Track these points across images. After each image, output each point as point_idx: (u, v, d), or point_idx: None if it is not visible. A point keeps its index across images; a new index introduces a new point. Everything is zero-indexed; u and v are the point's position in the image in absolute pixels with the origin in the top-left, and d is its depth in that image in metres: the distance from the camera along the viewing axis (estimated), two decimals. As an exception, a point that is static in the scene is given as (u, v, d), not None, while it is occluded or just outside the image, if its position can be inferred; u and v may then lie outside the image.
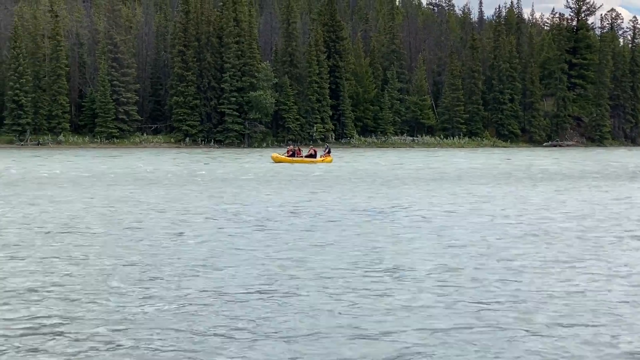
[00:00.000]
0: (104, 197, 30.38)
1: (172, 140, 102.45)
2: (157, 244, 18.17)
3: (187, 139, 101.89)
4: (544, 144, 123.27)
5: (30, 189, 33.98)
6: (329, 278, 14.14)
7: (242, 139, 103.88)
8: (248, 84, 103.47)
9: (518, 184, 40.52)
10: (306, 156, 60.59)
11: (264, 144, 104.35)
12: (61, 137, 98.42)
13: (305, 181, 40.90)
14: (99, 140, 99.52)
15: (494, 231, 20.94)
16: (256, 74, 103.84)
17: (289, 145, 70.16)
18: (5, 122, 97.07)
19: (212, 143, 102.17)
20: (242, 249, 17.36)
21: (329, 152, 62.70)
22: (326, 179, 42.93)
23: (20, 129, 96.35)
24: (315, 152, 61.93)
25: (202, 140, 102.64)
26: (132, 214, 24.34)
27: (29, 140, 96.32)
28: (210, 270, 14.87)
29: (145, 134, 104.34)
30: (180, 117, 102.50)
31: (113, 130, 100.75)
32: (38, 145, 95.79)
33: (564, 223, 22.93)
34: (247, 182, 40.08)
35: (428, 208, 26.76)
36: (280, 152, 65.77)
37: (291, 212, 25.00)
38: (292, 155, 60.92)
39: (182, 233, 19.98)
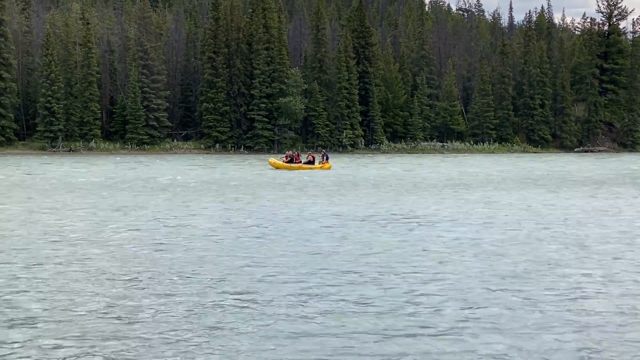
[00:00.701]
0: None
1: (202, 146, 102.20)
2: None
3: (217, 145, 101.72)
4: (575, 150, 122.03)
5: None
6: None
7: (272, 145, 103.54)
8: (277, 90, 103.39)
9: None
10: (304, 163, 59.82)
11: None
12: (92, 144, 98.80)
13: (326, 189, 40.61)
14: (130, 146, 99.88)
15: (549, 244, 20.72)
16: (286, 80, 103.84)
17: (288, 152, 68.70)
18: (37, 128, 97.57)
19: (241, 149, 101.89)
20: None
21: (326, 159, 61.54)
22: (326, 185, 42.71)
23: (52, 135, 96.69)
24: (313, 158, 61.30)
25: (232, 147, 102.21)
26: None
27: (61, 147, 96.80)
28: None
29: (175, 141, 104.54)
30: (210, 124, 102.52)
31: (144, 137, 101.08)
32: (70, 151, 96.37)
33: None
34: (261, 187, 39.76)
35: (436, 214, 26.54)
36: (278, 158, 65.66)
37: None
38: (290, 161, 59.82)
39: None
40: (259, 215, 26.38)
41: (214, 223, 24.02)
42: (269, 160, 62.01)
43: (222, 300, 12.87)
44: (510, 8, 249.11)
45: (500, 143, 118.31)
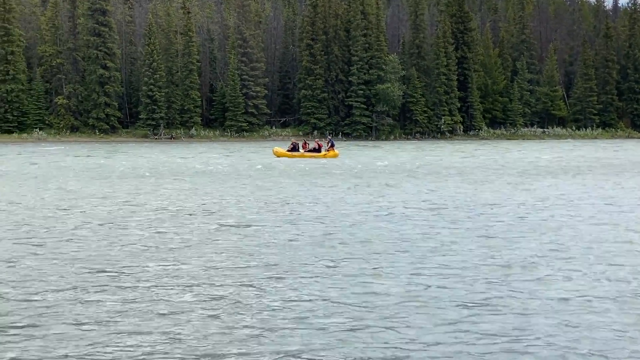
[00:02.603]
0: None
1: (301, 133, 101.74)
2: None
3: (315, 132, 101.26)
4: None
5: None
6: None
7: (370, 132, 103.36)
8: (375, 76, 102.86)
9: None
10: (308, 151, 56.35)
11: (392, 137, 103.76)
12: (193, 131, 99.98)
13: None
14: (229, 133, 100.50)
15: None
16: (383, 66, 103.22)
17: (293, 139, 67.09)
18: (140, 116, 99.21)
19: (339, 136, 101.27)
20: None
21: (332, 145, 57.36)
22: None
23: (154, 123, 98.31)
24: (320, 146, 57.40)
25: (330, 133, 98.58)
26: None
27: (162, 134, 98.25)
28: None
29: (274, 127, 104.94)
30: (309, 110, 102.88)
31: (243, 124, 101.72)
32: (171, 138, 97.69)
33: None
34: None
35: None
36: (284, 146, 62.28)
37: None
38: (293, 149, 56.78)
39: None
40: (428, 201, 25.77)
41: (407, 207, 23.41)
42: (274, 149, 58.66)
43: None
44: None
45: (603, 128, 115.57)
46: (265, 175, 37.55)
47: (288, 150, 56.85)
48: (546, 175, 39.25)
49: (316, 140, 61.69)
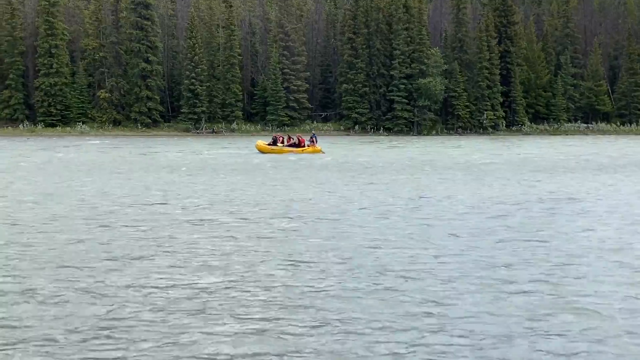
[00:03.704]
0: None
1: (342, 127, 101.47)
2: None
3: (357, 127, 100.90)
4: None
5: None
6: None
7: (412, 127, 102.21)
8: (417, 70, 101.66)
9: None
10: (288, 145, 54.21)
11: (433, 132, 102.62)
12: (234, 125, 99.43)
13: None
14: (270, 128, 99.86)
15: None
16: (425, 60, 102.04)
17: (275, 134, 64.54)
18: (182, 110, 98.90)
19: (381, 131, 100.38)
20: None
21: (313, 141, 54.92)
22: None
23: (195, 117, 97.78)
24: (300, 141, 54.82)
25: (371, 128, 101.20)
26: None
27: (204, 129, 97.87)
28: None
29: (315, 122, 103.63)
30: (350, 105, 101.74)
31: (284, 118, 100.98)
32: (213, 133, 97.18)
33: None
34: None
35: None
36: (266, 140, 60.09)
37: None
38: (274, 143, 54.67)
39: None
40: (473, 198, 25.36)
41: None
42: (256, 142, 57.17)
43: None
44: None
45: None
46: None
47: (268, 144, 55.20)
48: None
49: (298, 135, 59.97)
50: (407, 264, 14.09)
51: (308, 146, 53.86)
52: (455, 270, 13.61)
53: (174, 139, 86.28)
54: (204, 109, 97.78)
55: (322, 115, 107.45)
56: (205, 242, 16.61)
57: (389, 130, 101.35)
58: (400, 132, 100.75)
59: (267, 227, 18.66)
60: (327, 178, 33.12)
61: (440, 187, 28.47)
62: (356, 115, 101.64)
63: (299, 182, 31.04)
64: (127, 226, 18.67)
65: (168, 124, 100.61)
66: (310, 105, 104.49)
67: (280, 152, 52.94)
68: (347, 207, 22.32)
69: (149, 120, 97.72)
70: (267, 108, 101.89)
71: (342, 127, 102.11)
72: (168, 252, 15.28)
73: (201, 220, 19.98)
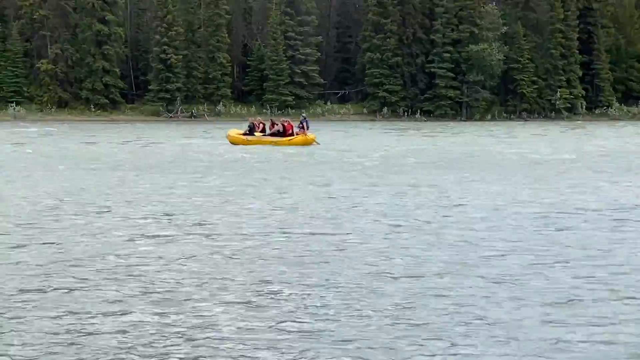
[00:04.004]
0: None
1: (365, 110, 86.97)
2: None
3: (385, 110, 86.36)
4: None
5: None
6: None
7: (459, 109, 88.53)
8: (467, 34, 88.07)
9: None
10: (269, 134, 44.66)
11: (488, 116, 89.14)
12: (220, 107, 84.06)
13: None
14: (269, 110, 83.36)
15: None
16: (478, 20, 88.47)
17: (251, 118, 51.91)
18: (150, 87, 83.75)
19: (417, 114, 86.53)
20: None
21: (304, 127, 44.51)
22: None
23: (168, 96, 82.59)
24: (285, 127, 44.77)
25: (404, 111, 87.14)
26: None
27: (179, 111, 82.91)
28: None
29: (329, 103, 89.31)
30: (376, 80, 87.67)
31: (287, 98, 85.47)
32: (192, 117, 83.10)
33: None
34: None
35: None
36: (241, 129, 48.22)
37: None
38: (251, 131, 45.16)
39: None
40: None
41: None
42: (228, 132, 46.85)
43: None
44: None
45: None
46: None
47: (244, 134, 45.15)
48: None
49: (283, 120, 48.84)
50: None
51: (297, 134, 44.33)
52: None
53: (138, 125, 74.61)
54: (179, 85, 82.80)
55: (338, 94, 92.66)
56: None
57: (428, 114, 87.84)
58: (443, 117, 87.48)
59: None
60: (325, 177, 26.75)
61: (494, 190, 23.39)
62: (385, 95, 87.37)
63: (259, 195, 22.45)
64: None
65: (132, 105, 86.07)
66: (322, 80, 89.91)
67: (258, 143, 43.51)
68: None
69: (106, 101, 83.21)
70: (265, 84, 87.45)
71: (365, 110, 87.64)
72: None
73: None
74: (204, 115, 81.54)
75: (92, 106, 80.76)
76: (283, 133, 44.52)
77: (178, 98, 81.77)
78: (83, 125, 71.49)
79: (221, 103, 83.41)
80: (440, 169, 30.47)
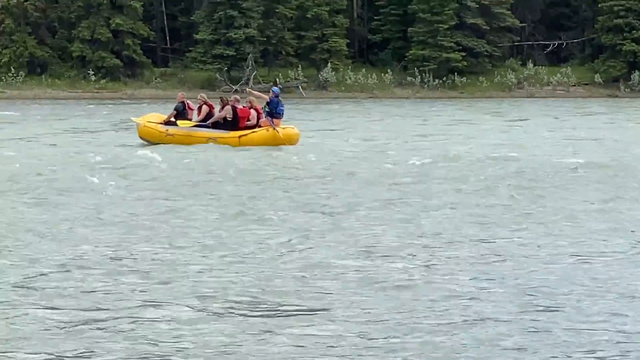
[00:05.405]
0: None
1: (599, 78, 51.76)
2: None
3: (637, 75, 51.00)
4: None
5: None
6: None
7: None
8: None
9: None
10: (213, 123, 22.92)
11: None
12: (327, 72, 51.79)
13: None
14: (419, 78, 49.54)
15: None
16: None
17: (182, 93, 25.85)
18: (197, 37, 53.14)
19: None
20: None
21: (274, 112, 21.51)
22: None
23: (232, 52, 52.42)
24: (244, 113, 22.44)
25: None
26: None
27: (251, 79, 52.42)
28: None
29: (529, 63, 53.21)
30: (618, 22, 53.21)
31: (451, 55, 50.70)
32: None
33: None
34: None
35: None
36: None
37: None
38: (179, 115, 24.08)
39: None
40: None
41: None
42: (140, 121, 24.49)
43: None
44: None
45: None
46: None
47: (164, 123, 23.94)
48: None
49: (250, 99, 23.36)
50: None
51: (260, 126, 23.18)
52: None
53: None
54: (255, 32, 51.73)
55: (548, 47, 56.31)
56: None
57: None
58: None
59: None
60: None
61: None
62: (635, 48, 52.71)
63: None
64: None
65: (164, 69, 53.37)
66: (519, 23, 54.28)
67: (186, 140, 23.44)
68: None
69: (118, 62, 53.99)
70: (410, 31, 52.44)
71: (599, 78, 51.49)
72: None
73: None
74: (298, 88, 47.17)
75: (90, 72, 47.99)
76: (235, 122, 23.46)
77: (250, 56, 47.96)
78: (77, 106, 41.76)
79: (329, 65, 48.15)
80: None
